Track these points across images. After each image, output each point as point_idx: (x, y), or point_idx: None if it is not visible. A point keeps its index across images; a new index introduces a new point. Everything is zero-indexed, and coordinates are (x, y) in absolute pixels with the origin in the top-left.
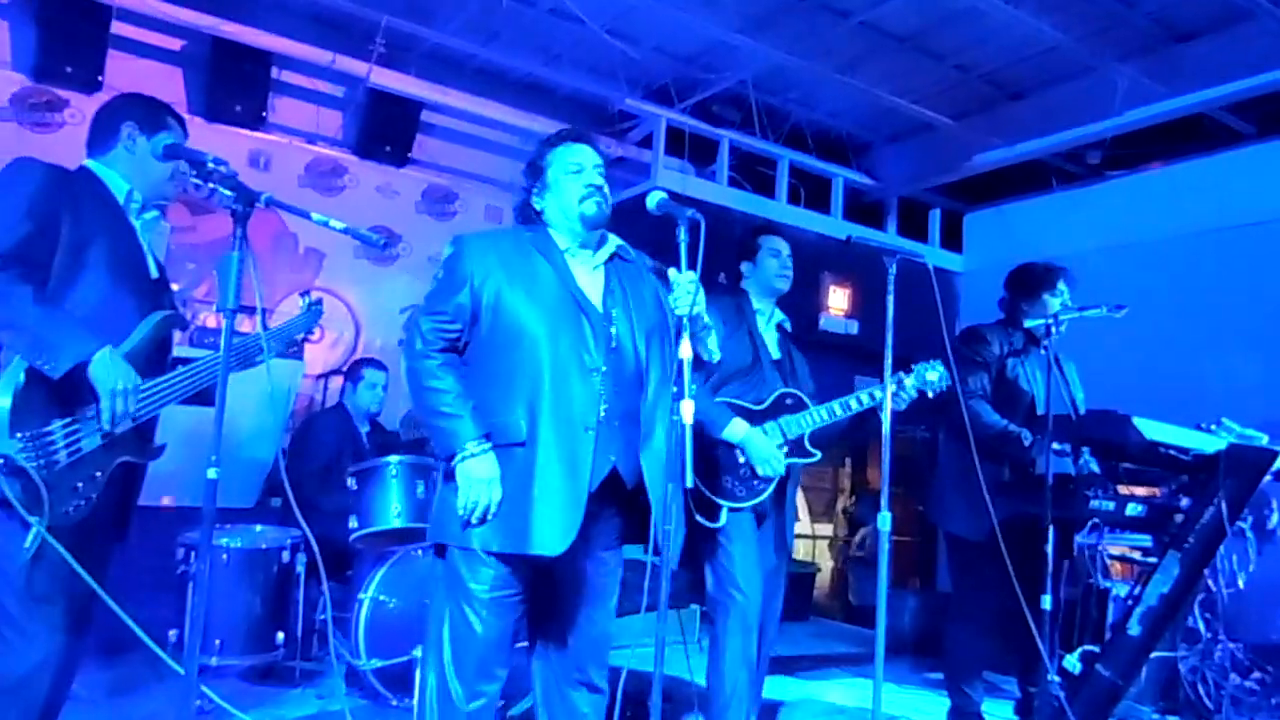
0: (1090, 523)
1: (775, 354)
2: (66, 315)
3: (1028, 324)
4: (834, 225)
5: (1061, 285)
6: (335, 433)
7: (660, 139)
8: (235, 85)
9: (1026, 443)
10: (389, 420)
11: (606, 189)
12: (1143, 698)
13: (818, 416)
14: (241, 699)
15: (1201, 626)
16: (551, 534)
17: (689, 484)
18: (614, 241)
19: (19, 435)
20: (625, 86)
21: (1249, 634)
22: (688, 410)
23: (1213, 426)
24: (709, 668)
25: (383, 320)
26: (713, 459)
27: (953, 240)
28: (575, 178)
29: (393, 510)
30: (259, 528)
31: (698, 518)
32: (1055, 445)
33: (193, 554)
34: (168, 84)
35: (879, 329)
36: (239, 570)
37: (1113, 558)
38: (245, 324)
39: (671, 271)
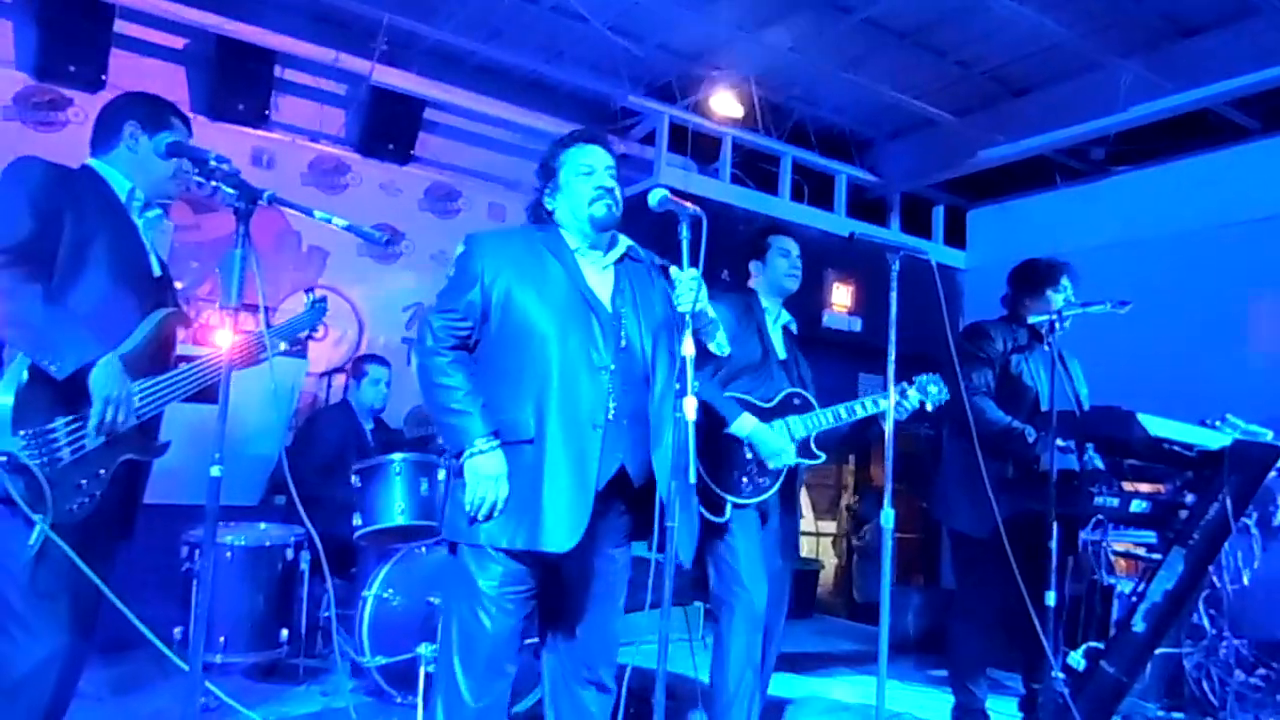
0: (1094, 519)
1: (782, 354)
2: (73, 317)
3: (1031, 320)
4: (837, 222)
5: (1065, 281)
6: (339, 429)
7: (663, 136)
8: (238, 83)
9: (1030, 439)
10: (393, 417)
11: (618, 191)
12: (1147, 694)
13: (824, 419)
14: (246, 696)
15: (1206, 623)
16: (559, 531)
17: (692, 480)
18: (624, 242)
19: (22, 433)
20: (628, 83)
21: (1254, 630)
22: (690, 407)
23: (1217, 423)
24: (713, 665)
25: (386, 318)
26: (719, 454)
27: (956, 237)
28: (586, 179)
29: (396, 508)
30: (263, 525)
31: (702, 512)
32: (1059, 441)
33: (197, 551)
34: (171, 82)
35: (882, 326)
36: (243, 568)
37: (1117, 554)
38: (248, 322)
39: (673, 269)
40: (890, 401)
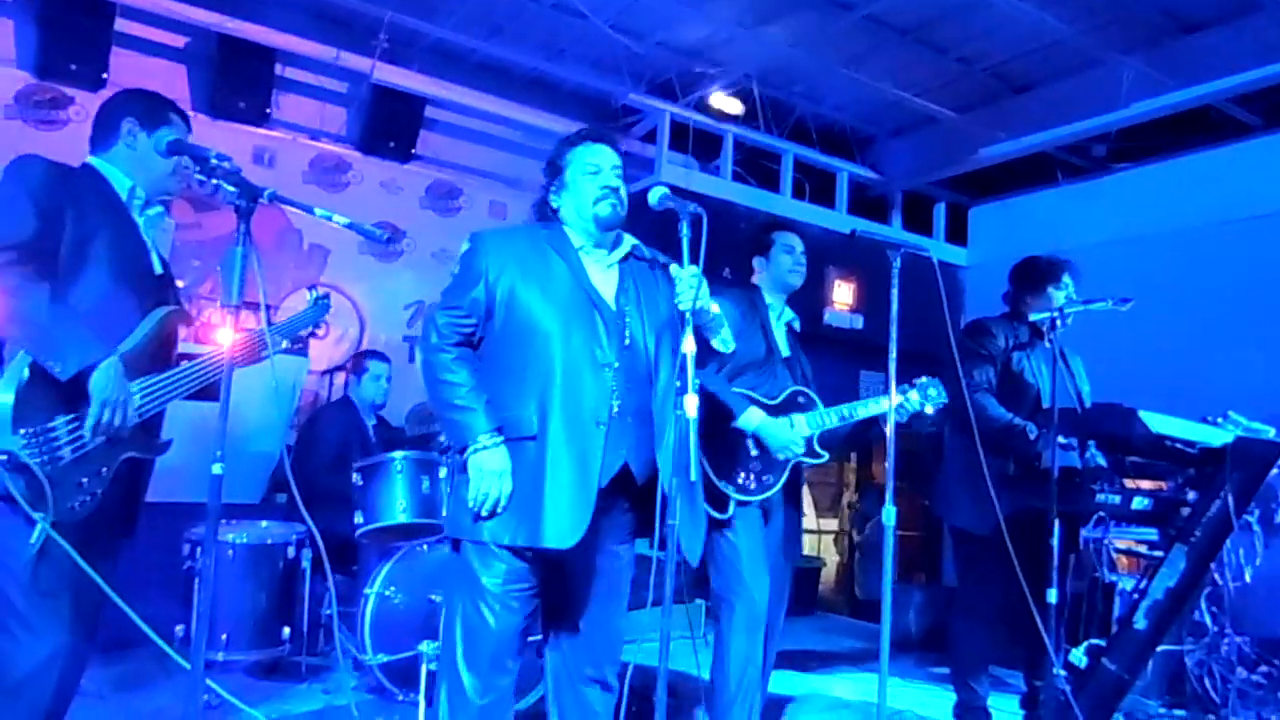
0: (1096, 516)
1: (785, 351)
2: (77, 317)
3: (1033, 317)
4: (838, 219)
5: (1066, 279)
6: (342, 425)
7: (664, 134)
8: (239, 82)
9: (1032, 436)
10: (394, 415)
11: (623, 190)
12: (1149, 692)
13: (828, 419)
14: (248, 694)
15: (1208, 620)
16: (562, 527)
17: (694, 477)
18: (629, 241)
19: (22, 431)
20: (629, 81)
21: (1256, 628)
22: (691, 404)
23: (1219, 420)
24: (713, 665)
25: (387, 316)
26: (723, 450)
27: (958, 234)
28: (592, 179)
29: (398, 506)
30: (264, 523)
31: (705, 508)
32: (1061, 439)
33: (198, 549)
34: (172, 81)
35: (884, 324)
36: (245, 566)
37: (1119, 551)
38: (250, 320)
39: (674, 266)
40: (892, 401)
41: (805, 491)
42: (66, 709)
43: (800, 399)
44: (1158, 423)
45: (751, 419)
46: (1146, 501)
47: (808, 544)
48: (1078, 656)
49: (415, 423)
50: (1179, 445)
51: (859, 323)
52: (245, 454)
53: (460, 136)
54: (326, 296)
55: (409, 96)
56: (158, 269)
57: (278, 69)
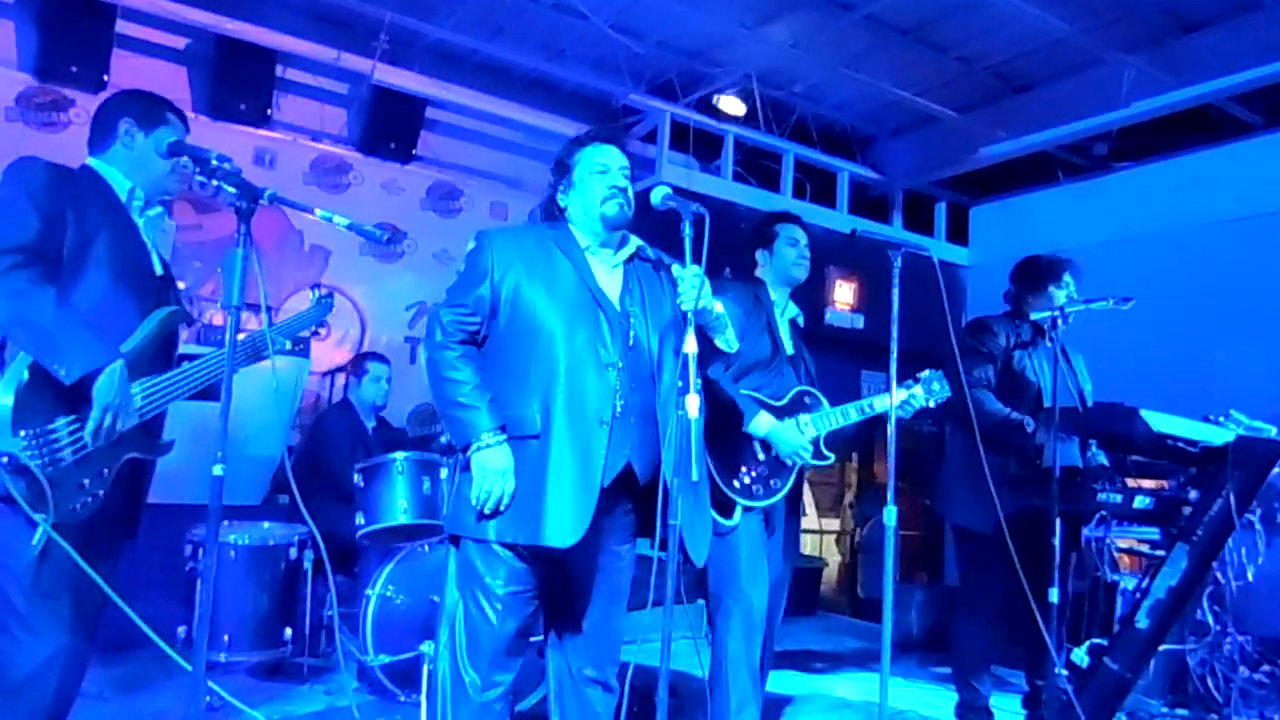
0: (1098, 515)
1: (790, 349)
2: (81, 320)
3: (1034, 316)
4: (839, 219)
5: (1067, 278)
6: (343, 427)
7: (665, 134)
8: (240, 83)
9: (1029, 429)
10: (395, 416)
11: (630, 191)
12: (1151, 691)
13: (834, 419)
14: (250, 695)
15: (1210, 619)
16: (562, 526)
17: (695, 477)
18: (634, 242)
19: (23, 433)
20: (630, 81)
21: (1258, 626)
22: (693, 405)
23: (1221, 418)
24: (711, 669)
25: (388, 317)
26: (729, 455)
27: (958, 233)
28: (600, 178)
29: (399, 506)
30: (266, 524)
31: (713, 514)
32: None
33: (200, 551)
34: (173, 82)
35: (885, 323)
36: (246, 567)
37: (1120, 550)
38: (251, 321)
39: (676, 266)
40: (894, 399)
41: (807, 491)
42: (68, 710)
43: (806, 399)
44: (1159, 422)
45: (761, 424)
46: (1148, 500)
47: (809, 544)
48: (1080, 656)
49: (417, 423)
50: (1181, 444)
51: (860, 322)
52: (246, 455)
53: (461, 137)
54: (330, 296)
55: (409, 97)
56: (158, 270)
57: (278, 70)
